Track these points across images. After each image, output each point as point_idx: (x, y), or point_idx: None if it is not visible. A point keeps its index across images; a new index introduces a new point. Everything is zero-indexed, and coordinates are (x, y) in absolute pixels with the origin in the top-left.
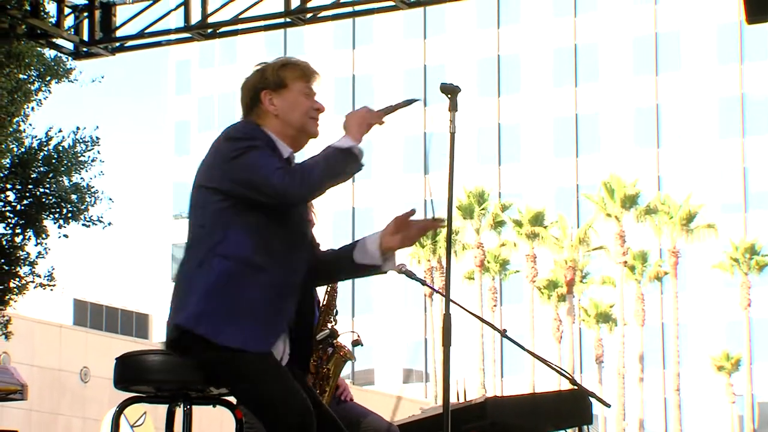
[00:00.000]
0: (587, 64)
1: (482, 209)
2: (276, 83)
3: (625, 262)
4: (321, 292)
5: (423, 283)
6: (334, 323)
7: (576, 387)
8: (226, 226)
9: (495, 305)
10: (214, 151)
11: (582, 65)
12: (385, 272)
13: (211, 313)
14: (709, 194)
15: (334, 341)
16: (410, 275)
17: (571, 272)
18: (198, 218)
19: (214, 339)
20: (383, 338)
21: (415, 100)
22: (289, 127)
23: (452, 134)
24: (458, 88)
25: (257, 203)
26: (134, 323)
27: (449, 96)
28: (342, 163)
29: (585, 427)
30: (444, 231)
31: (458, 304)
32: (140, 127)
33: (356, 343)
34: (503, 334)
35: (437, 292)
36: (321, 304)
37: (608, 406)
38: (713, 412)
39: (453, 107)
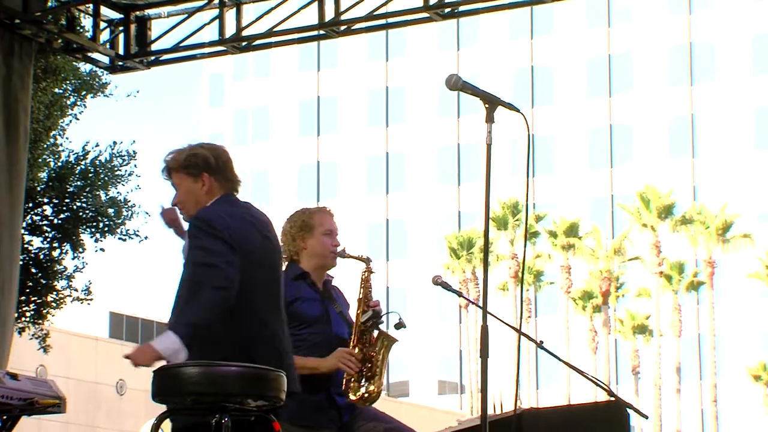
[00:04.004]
0: (622, 74)
1: (516, 220)
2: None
3: (661, 272)
4: (356, 283)
5: (459, 294)
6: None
7: (613, 398)
8: None
9: (529, 316)
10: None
11: (616, 75)
12: None
13: None
14: (745, 204)
15: (379, 324)
16: (446, 286)
17: (606, 283)
18: None
19: None
20: (418, 350)
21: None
22: None
23: (489, 145)
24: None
25: None
26: None
27: (487, 107)
28: None
29: None
30: (479, 242)
31: (495, 316)
32: (175, 141)
33: (399, 325)
34: (539, 345)
35: (473, 303)
36: (359, 296)
37: (646, 417)
38: (750, 423)
39: (490, 119)
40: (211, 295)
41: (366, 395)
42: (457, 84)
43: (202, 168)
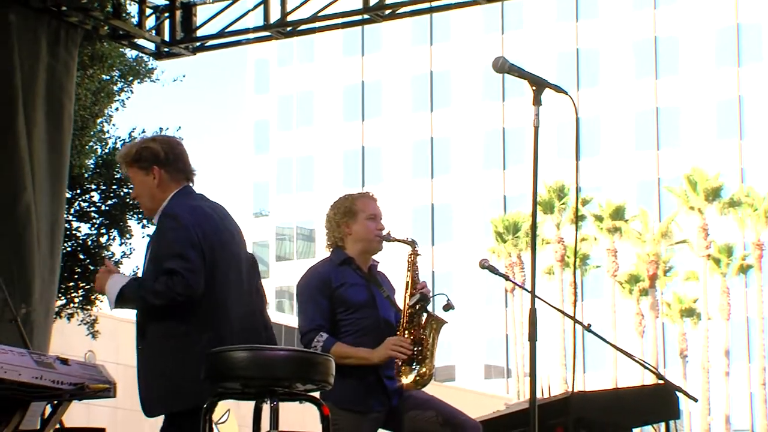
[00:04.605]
0: (668, 57)
1: (562, 204)
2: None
3: (709, 255)
4: (402, 267)
5: (506, 278)
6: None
7: (662, 381)
8: None
9: (575, 300)
10: None
11: (663, 57)
12: None
13: None
14: None
15: (427, 307)
16: (493, 270)
17: (653, 266)
18: None
19: None
20: (464, 334)
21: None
22: None
23: (536, 128)
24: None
25: None
26: None
27: (534, 89)
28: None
29: (672, 422)
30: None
31: (543, 300)
32: (220, 127)
33: (448, 307)
34: (587, 328)
35: (521, 287)
36: (406, 279)
37: (695, 400)
38: None
39: (537, 101)
40: (162, 301)
41: (418, 378)
42: (503, 66)
43: (151, 161)
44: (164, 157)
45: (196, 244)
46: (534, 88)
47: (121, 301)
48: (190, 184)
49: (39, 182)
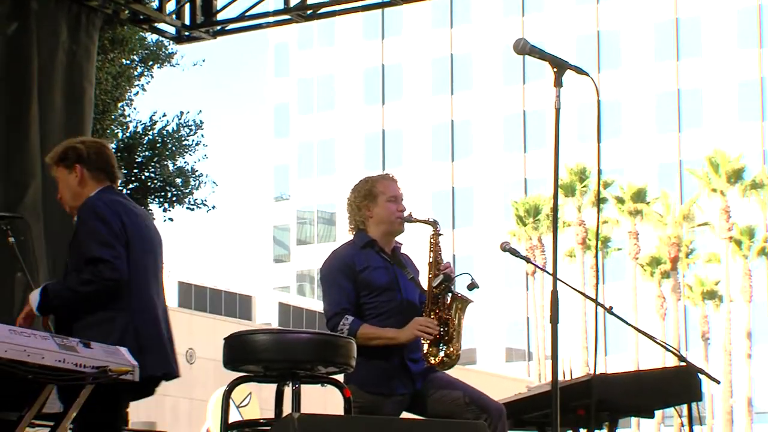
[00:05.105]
0: (689, 38)
1: (583, 186)
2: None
3: (731, 237)
4: (425, 248)
5: (527, 260)
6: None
7: (684, 364)
8: None
9: (597, 283)
10: None
11: (684, 39)
12: None
13: None
14: None
15: (451, 287)
16: (514, 253)
17: (675, 249)
18: None
19: None
20: (485, 318)
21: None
22: None
23: (557, 110)
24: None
25: None
26: (238, 305)
27: (555, 71)
28: None
29: (694, 404)
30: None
31: (564, 282)
32: (240, 110)
33: (472, 286)
34: (609, 310)
35: (542, 269)
36: (429, 260)
37: (717, 382)
38: None
39: (558, 83)
40: (98, 281)
41: (445, 358)
42: (524, 48)
43: (74, 160)
44: (87, 156)
45: (118, 233)
46: (555, 69)
47: (45, 299)
48: (114, 185)
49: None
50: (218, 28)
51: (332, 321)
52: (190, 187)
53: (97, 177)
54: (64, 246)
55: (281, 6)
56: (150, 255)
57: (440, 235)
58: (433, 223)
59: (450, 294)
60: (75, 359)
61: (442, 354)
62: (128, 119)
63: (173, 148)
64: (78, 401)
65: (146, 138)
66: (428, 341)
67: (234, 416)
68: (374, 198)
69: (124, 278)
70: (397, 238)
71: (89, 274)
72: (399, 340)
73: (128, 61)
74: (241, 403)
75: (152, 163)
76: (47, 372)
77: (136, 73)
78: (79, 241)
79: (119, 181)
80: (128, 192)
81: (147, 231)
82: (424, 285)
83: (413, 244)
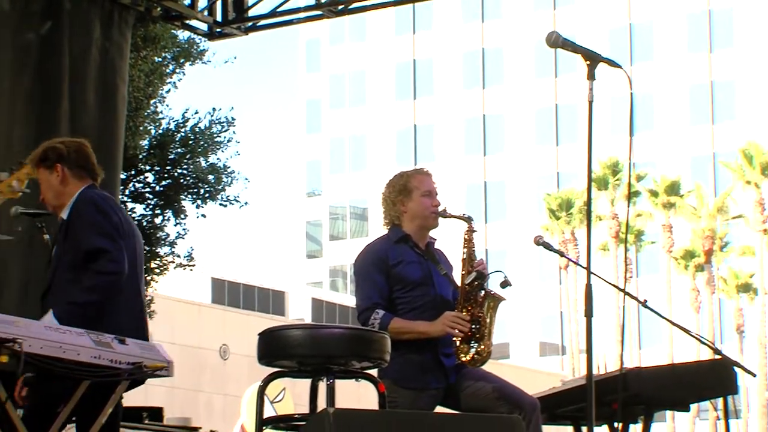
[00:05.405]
0: (723, 30)
1: (616, 180)
2: None
3: (765, 230)
4: (459, 244)
5: (561, 254)
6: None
7: (719, 356)
8: None
9: (630, 276)
10: None
11: (717, 31)
12: None
13: None
14: None
15: (484, 284)
16: (548, 247)
17: (709, 242)
18: None
19: None
20: (518, 312)
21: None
22: None
23: (590, 103)
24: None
25: None
26: (270, 300)
27: (588, 63)
28: None
29: (730, 397)
30: (578, 202)
31: (598, 276)
32: (272, 106)
33: (505, 284)
34: (643, 304)
35: (576, 263)
36: (462, 256)
37: (753, 375)
38: None
39: (591, 76)
40: (102, 280)
41: (476, 356)
42: (557, 41)
43: (55, 159)
44: (67, 155)
45: (117, 226)
46: (588, 62)
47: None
48: (95, 183)
49: None
50: (250, 24)
51: (363, 315)
52: (222, 183)
53: (79, 175)
54: None
55: (312, 2)
56: (139, 251)
57: (474, 231)
58: (468, 219)
59: (482, 291)
60: (110, 355)
61: (473, 351)
62: (161, 116)
63: (205, 145)
64: (113, 397)
65: (179, 135)
66: (459, 338)
67: (268, 412)
68: (409, 193)
69: (124, 273)
70: (431, 234)
71: (91, 278)
72: (430, 334)
73: (160, 59)
74: (275, 398)
75: (185, 160)
76: (83, 368)
77: (168, 71)
78: (76, 235)
79: (100, 179)
80: (161, 189)
81: (135, 228)
82: (458, 281)
83: (447, 239)
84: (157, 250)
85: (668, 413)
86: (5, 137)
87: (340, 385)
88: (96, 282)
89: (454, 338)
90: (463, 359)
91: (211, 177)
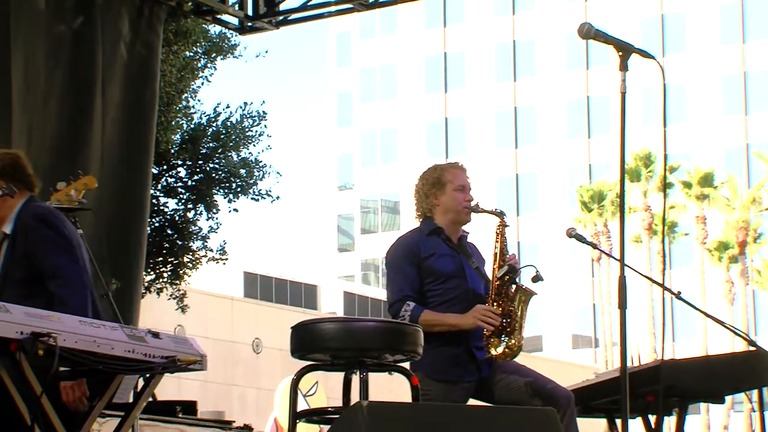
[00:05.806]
0: (755, 20)
1: (649, 171)
2: None
3: None
4: (491, 239)
5: (594, 246)
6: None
7: (754, 348)
8: None
9: (664, 268)
10: None
11: (750, 21)
12: None
13: None
14: None
15: (516, 279)
16: (580, 239)
17: (743, 233)
18: None
19: None
20: (551, 304)
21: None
22: None
23: (623, 94)
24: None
25: None
26: (303, 294)
27: (620, 55)
28: None
29: (765, 389)
30: (610, 194)
31: (632, 268)
32: (303, 100)
33: (536, 278)
34: (677, 296)
35: (609, 255)
36: (494, 251)
37: None
38: None
39: (623, 67)
40: (82, 300)
41: (507, 350)
42: (589, 33)
43: None
44: (2, 169)
45: (71, 238)
46: (620, 53)
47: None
48: (34, 195)
49: (110, 162)
50: (280, 18)
51: (394, 307)
52: (254, 177)
53: (17, 188)
54: (118, 239)
55: None
56: (86, 256)
57: (506, 226)
58: (500, 214)
59: (514, 285)
60: (144, 349)
61: (503, 345)
62: (192, 111)
63: (237, 139)
64: (148, 390)
65: (210, 129)
66: (489, 331)
67: (301, 405)
68: (442, 186)
69: (89, 287)
70: (464, 228)
71: (69, 298)
72: (460, 326)
73: (192, 53)
74: (308, 392)
75: (216, 155)
76: (117, 362)
77: (200, 65)
78: (31, 251)
79: (37, 189)
80: (193, 183)
81: (78, 236)
82: (489, 275)
83: (480, 234)
84: (189, 245)
85: (702, 406)
86: (40, 132)
87: (373, 378)
88: (74, 303)
89: (485, 331)
90: (494, 353)
91: (242, 171)
